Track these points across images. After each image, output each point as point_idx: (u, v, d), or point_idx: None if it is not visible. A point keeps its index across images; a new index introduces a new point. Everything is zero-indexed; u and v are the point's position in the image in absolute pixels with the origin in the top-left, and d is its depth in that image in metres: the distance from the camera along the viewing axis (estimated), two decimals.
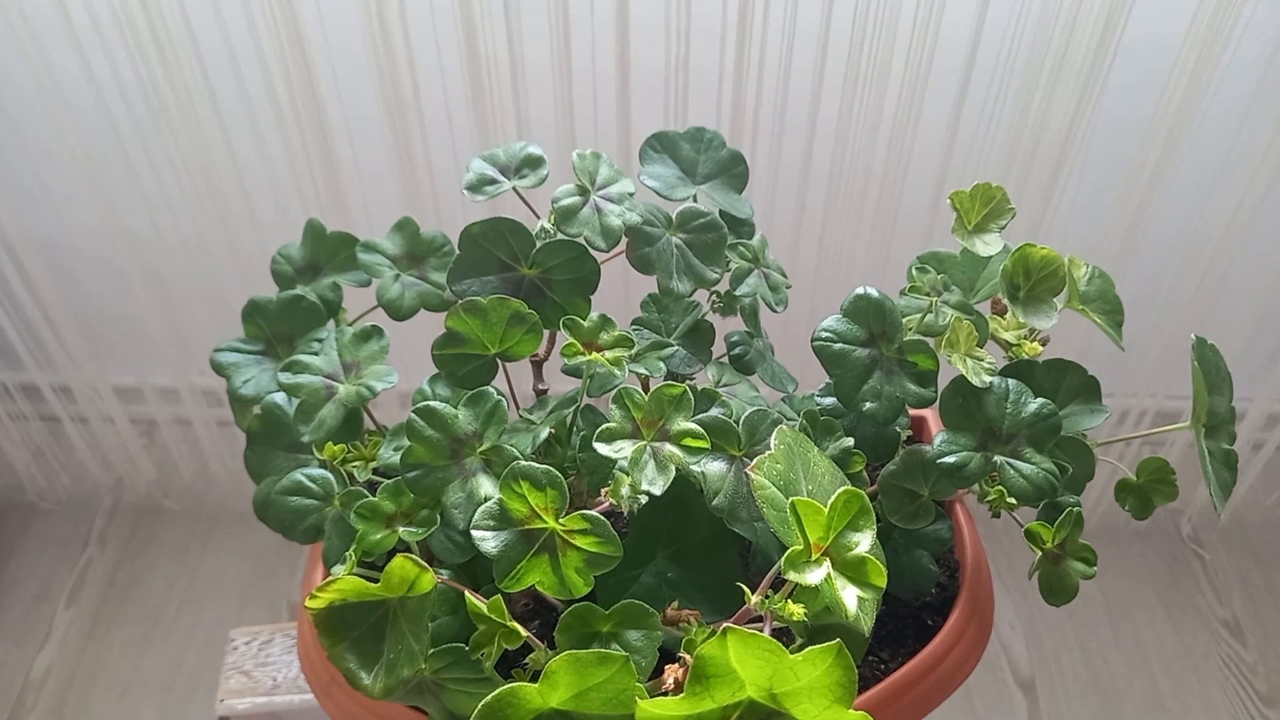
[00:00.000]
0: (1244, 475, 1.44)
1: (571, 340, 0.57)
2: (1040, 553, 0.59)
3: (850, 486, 0.47)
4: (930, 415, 0.77)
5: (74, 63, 1.10)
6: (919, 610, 0.68)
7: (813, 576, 0.45)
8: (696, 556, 0.62)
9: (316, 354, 0.62)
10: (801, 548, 0.45)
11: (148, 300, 1.31)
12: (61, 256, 1.34)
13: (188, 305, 1.33)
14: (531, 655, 0.52)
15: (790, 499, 0.46)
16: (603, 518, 0.50)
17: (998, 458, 0.59)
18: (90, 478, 1.56)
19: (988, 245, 0.61)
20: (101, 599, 1.43)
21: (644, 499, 0.52)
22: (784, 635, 0.49)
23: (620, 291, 1.20)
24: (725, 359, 0.68)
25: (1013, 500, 0.59)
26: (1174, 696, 1.32)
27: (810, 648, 0.41)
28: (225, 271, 1.26)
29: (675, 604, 0.59)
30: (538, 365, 0.67)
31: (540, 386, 0.67)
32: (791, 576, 0.45)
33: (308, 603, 0.50)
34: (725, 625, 0.41)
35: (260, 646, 0.92)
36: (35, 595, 1.44)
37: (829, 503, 0.46)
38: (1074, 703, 1.32)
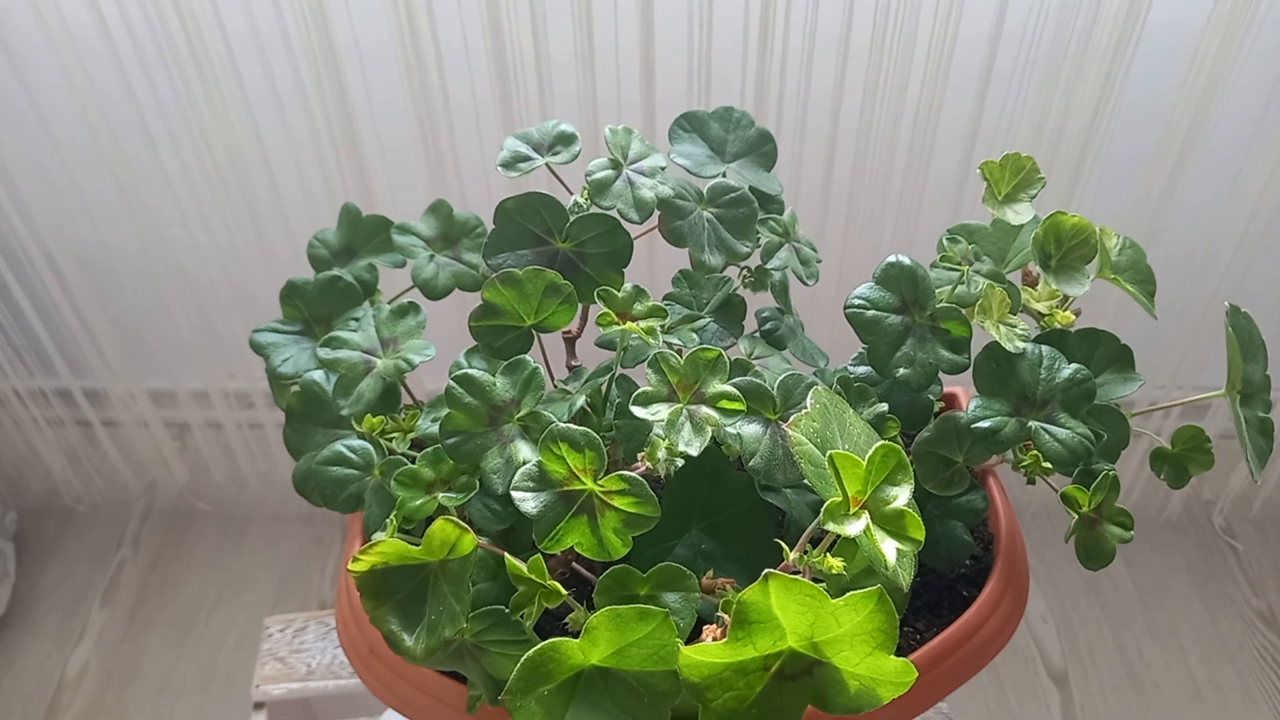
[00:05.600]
0: (1275, 464, 1.43)
1: (606, 310, 0.57)
2: (1076, 516, 0.59)
3: (886, 442, 0.47)
4: (960, 391, 0.77)
5: (112, 78, 1.12)
6: (954, 582, 0.67)
7: (852, 528, 0.45)
8: (730, 529, 0.62)
9: (355, 331, 0.62)
10: (840, 500, 0.45)
11: (180, 304, 1.33)
12: (97, 264, 1.36)
13: (220, 309, 1.35)
14: (571, 615, 0.53)
15: (828, 452, 0.46)
16: (640, 478, 0.51)
17: (1032, 423, 0.59)
18: (124, 481, 1.58)
19: (1018, 215, 0.62)
20: (136, 600, 1.45)
21: (680, 462, 0.52)
22: None
23: (645, 272, 1.21)
24: (757, 333, 0.68)
25: (1048, 465, 0.59)
26: (1212, 687, 1.31)
27: (851, 593, 0.42)
28: (256, 275, 1.28)
29: (710, 573, 0.59)
30: (570, 341, 0.67)
31: (573, 363, 0.68)
32: (831, 528, 0.45)
33: (350, 566, 0.51)
34: (767, 571, 0.42)
35: (294, 634, 0.93)
36: (71, 597, 1.46)
37: (867, 456, 0.46)
38: (1109, 695, 1.31)
